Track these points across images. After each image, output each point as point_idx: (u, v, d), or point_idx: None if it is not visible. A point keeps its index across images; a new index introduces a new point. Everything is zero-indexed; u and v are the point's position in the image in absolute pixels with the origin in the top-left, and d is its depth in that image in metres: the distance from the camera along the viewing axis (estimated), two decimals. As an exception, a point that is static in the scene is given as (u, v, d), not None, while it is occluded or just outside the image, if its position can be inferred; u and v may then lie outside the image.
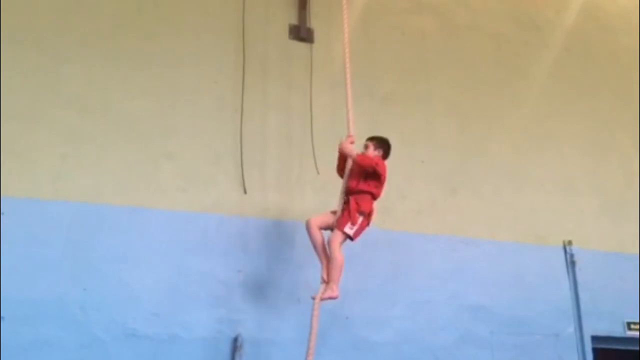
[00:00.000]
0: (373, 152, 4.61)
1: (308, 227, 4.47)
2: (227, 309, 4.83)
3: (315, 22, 6.03)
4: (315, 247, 4.45)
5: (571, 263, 6.07)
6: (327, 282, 4.26)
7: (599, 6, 7.77)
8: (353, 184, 4.46)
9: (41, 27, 5.12)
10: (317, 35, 5.99)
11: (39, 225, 4.53)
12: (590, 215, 6.47)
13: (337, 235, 4.34)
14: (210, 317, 4.77)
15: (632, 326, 6.09)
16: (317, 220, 4.48)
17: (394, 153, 5.77)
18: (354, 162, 4.47)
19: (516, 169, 6.41)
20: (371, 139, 4.67)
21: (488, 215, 6.07)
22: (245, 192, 5.21)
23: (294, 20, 6.00)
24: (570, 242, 6.14)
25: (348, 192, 4.47)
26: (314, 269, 5.03)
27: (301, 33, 5.93)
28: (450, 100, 6.39)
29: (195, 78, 5.42)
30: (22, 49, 4.97)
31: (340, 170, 4.65)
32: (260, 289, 5.00)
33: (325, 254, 4.37)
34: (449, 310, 5.50)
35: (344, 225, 4.33)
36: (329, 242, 4.35)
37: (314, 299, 4.21)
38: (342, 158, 4.62)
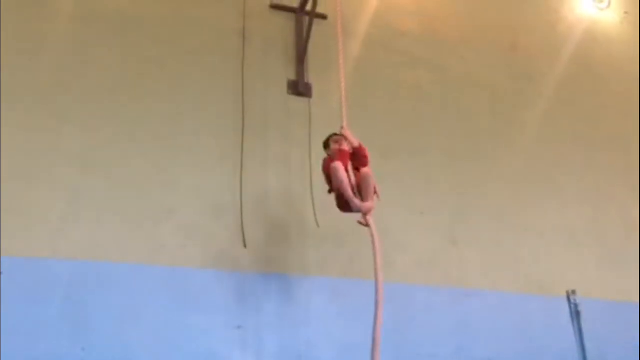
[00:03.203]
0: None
1: (338, 169, 4.45)
2: (228, 367, 4.75)
3: (313, 77, 6.15)
4: (344, 184, 4.46)
5: (576, 313, 5.99)
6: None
7: (590, 56, 7.93)
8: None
9: (42, 85, 5.20)
10: (315, 90, 6.09)
11: (38, 284, 4.49)
12: (592, 264, 6.43)
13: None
14: (210, 375, 4.68)
15: (641, 377, 5.97)
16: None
17: (393, 204, 5.83)
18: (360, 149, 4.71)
19: (516, 218, 6.41)
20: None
21: (489, 265, 6.03)
22: (245, 246, 5.19)
23: (292, 76, 6.11)
24: (574, 292, 6.07)
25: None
26: (314, 324, 5.03)
27: (299, 88, 6.03)
28: (447, 151, 6.44)
29: (195, 134, 5.49)
30: (23, 108, 5.03)
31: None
32: (260, 345, 4.91)
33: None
34: (454, 364, 5.40)
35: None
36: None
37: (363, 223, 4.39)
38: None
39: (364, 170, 4.57)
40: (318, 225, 5.42)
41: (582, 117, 7.39)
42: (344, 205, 4.60)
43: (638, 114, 7.62)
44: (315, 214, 5.43)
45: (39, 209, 4.76)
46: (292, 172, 5.64)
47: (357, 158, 4.69)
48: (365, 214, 4.44)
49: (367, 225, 4.43)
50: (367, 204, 4.46)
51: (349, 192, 4.46)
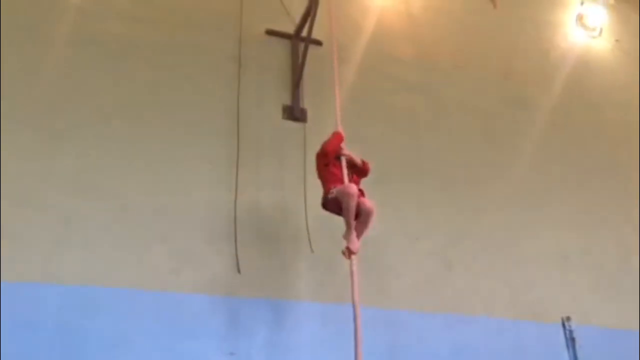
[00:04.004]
0: None
1: (354, 196, 4.52)
2: (220, 394, 4.69)
3: (308, 103, 6.18)
4: (351, 213, 4.55)
5: (571, 340, 5.96)
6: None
7: (583, 82, 8.02)
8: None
9: (37, 110, 5.20)
10: (310, 115, 6.12)
11: (29, 309, 4.43)
12: (587, 290, 6.42)
13: None
14: (202, 403, 4.62)
15: (637, 406, 5.92)
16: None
17: (388, 230, 5.83)
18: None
19: (510, 243, 6.40)
20: None
21: (484, 291, 6.01)
22: (239, 271, 5.16)
23: (288, 101, 6.14)
24: (568, 319, 6.05)
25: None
26: (308, 350, 4.99)
27: (295, 113, 6.06)
28: (442, 176, 6.46)
29: (190, 158, 5.48)
30: (17, 132, 5.02)
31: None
32: (254, 372, 4.87)
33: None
34: (448, 392, 5.35)
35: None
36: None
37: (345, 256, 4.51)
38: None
39: (369, 206, 4.61)
40: (312, 251, 5.41)
41: (575, 143, 7.45)
42: (330, 208, 4.71)
43: (632, 140, 7.70)
44: (309, 240, 5.42)
45: (31, 233, 4.72)
46: (286, 197, 5.64)
47: (361, 172, 4.95)
48: (350, 252, 4.49)
49: (348, 258, 4.51)
50: (357, 245, 4.52)
51: (352, 223, 4.54)
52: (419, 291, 5.74)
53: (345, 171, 4.78)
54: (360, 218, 4.60)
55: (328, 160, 4.87)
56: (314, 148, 5.80)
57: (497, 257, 6.25)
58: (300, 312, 5.15)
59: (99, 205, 5.00)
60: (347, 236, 4.56)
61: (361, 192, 4.70)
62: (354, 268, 4.43)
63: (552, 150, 7.23)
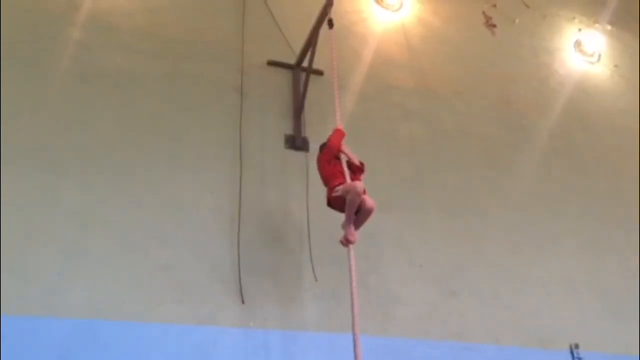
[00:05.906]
0: None
1: (359, 195, 4.59)
2: None
3: (309, 132, 6.21)
4: (353, 209, 4.65)
5: (580, 368, 5.89)
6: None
7: (583, 108, 8.07)
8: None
9: (40, 142, 5.23)
10: (312, 144, 6.14)
11: (31, 343, 4.38)
12: (595, 316, 6.34)
13: None
14: None
15: None
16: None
17: (391, 257, 5.81)
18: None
19: (514, 269, 6.36)
20: None
21: (490, 318, 5.94)
22: (243, 302, 5.13)
23: (289, 131, 6.17)
24: (577, 346, 5.97)
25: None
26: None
27: (296, 143, 6.09)
28: (444, 203, 6.45)
29: (193, 189, 5.49)
30: (20, 164, 5.04)
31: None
32: (258, 405, 4.80)
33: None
34: (456, 423, 5.26)
35: None
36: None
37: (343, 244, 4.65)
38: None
39: (370, 205, 4.66)
40: (316, 280, 5.38)
41: (576, 168, 7.46)
42: (335, 206, 4.81)
43: (633, 165, 7.71)
44: (313, 269, 5.39)
45: (33, 266, 4.70)
46: (289, 226, 5.62)
47: (357, 170, 5.05)
48: (348, 242, 4.61)
49: (346, 247, 4.62)
50: (355, 236, 4.64)
51: (352, 217, 4.64)
52: (423, 319, 5.68)
53: (345, 169, 4.91)
54: (360, 214, 4.68)
55: (331, 156, 4.99)
56: (316, 177, 5.81)
57: (502, 284, 6.20)
58: (305, 343, 5.09)
59: (101, 237, 4.99)
60: (345, 227, 4.67)
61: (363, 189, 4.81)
62: (352, 259, 4.51)
63: (554, 176, 7.24)
